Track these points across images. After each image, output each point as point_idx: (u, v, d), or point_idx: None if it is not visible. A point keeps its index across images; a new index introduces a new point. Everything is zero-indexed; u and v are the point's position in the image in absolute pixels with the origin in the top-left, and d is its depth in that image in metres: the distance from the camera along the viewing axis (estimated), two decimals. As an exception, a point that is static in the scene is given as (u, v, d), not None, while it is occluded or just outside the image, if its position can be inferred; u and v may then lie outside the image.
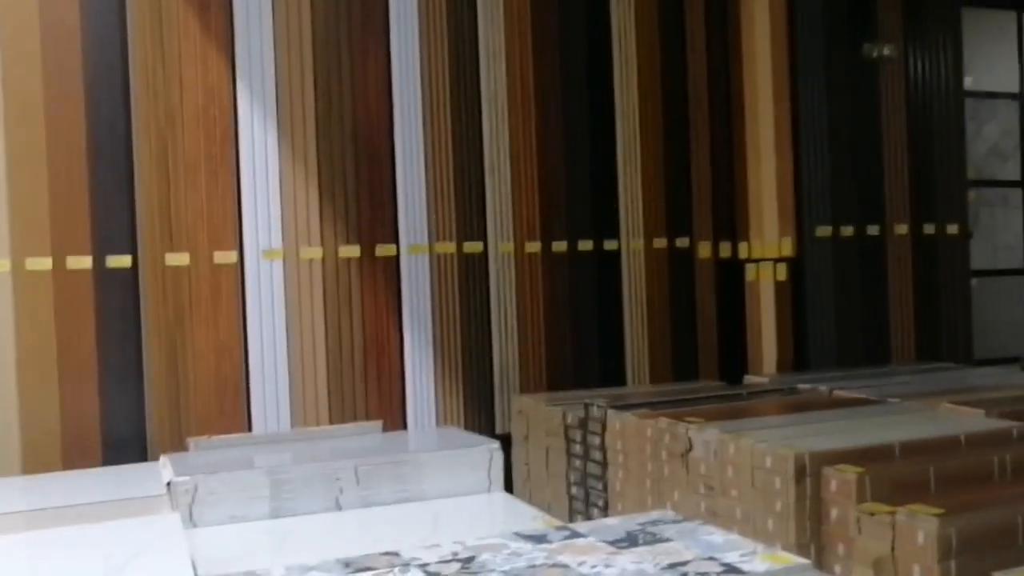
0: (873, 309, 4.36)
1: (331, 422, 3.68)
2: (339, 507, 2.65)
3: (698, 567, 1.62)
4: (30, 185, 3.39)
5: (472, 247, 3.98)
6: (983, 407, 2.91)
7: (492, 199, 4.02)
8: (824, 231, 4.28)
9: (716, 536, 1.82)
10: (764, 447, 2.47)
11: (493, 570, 1.65)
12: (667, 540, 1.79)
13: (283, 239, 3.71)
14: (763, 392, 3.57)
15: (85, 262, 3.45)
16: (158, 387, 3.53)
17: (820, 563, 2.35)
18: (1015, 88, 5.26)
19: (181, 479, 2.53)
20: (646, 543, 1.77)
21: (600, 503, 3.25)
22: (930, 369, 4.03)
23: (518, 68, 4.06)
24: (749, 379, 3.97)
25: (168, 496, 2.56)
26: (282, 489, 2.60)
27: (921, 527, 2.03)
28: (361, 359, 3.80)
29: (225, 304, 3.63)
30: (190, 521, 2.49)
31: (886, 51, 4.36)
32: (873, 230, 4.37)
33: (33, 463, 3.32)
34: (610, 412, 3.18)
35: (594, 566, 1.65)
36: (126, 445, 3.46)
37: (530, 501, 3.67)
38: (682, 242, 4.36)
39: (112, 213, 3.51)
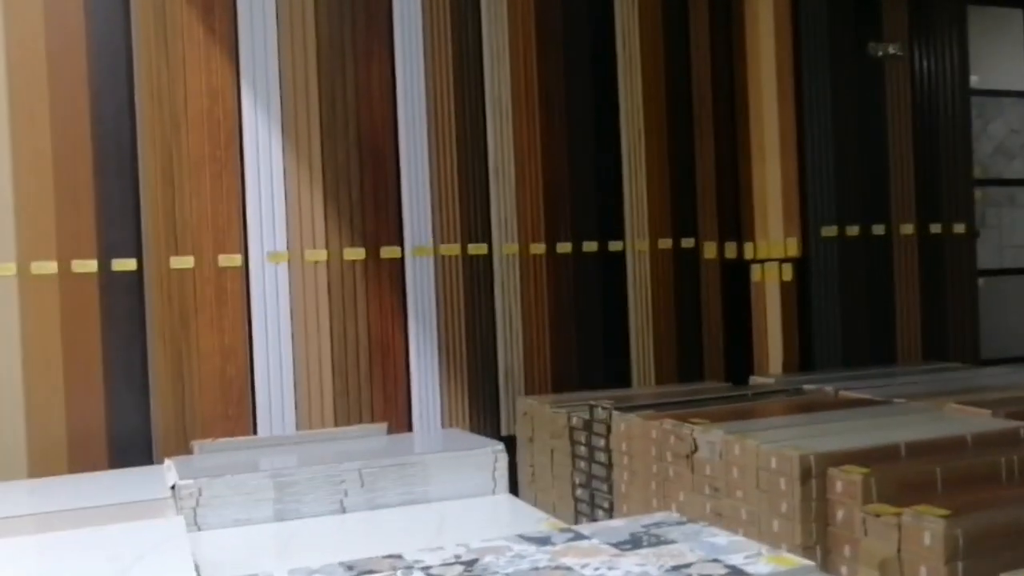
0: (879, 309, 4.34)
1: (336, 425, 3.68)
2: (344, 510, 2.65)
3: (702, 569, 1.61)
4: (36, 189, 3.39)
5: (477, 249, 3.98)
6: (990, 407, 2.89)
7: (496, 201, 4.02)
8: (830, 231, 4.26)
9: (720, 538, 1.81)
10: (769, 448, 2.46)
11: (496, 572, 1.65)
12: (671, 542, 1.79)
13: (288, 242, 3.71)
14: (768, 393, 3.56)
15: (90, 266, 3.46)
16: (163, 390, 3.53)
17: (826, 565, 2.34)
18: (1022, 86, 5.24)
19: (185, 482, 2.53)
20: (650, 545, 1.77)
21: (605, 505, 3.24)
22: (937, 369, 4.01)
23: (522, 69, 4.06)
24: (754, 380, 3.96)
25: (173, 499, 2.56)
26: (286, 492, 2.61)
27: (927, 528, 2.02)
28: (366, 361, 3.80)
29: (230, 307, 3.64)
30: (195, 524, 2.50)
31: (891, 50, 4.35)
32: (879, 230, 4.35)
33: (39, 467, 3.33)
34: (615, 413, 3.17)
35: (597, 568, 1.64)
36: (132, 448, 3.46)
37: (535, 503, 3.67)
38: (687, 243, 4.35)
39: (117, 217, 3.51)
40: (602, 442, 3.24)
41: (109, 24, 3.50)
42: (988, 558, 1.98)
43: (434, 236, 3.90)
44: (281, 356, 3.69)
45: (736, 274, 4.35)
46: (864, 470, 2.29)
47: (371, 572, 1.69)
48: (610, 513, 3.20)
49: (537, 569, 1.66)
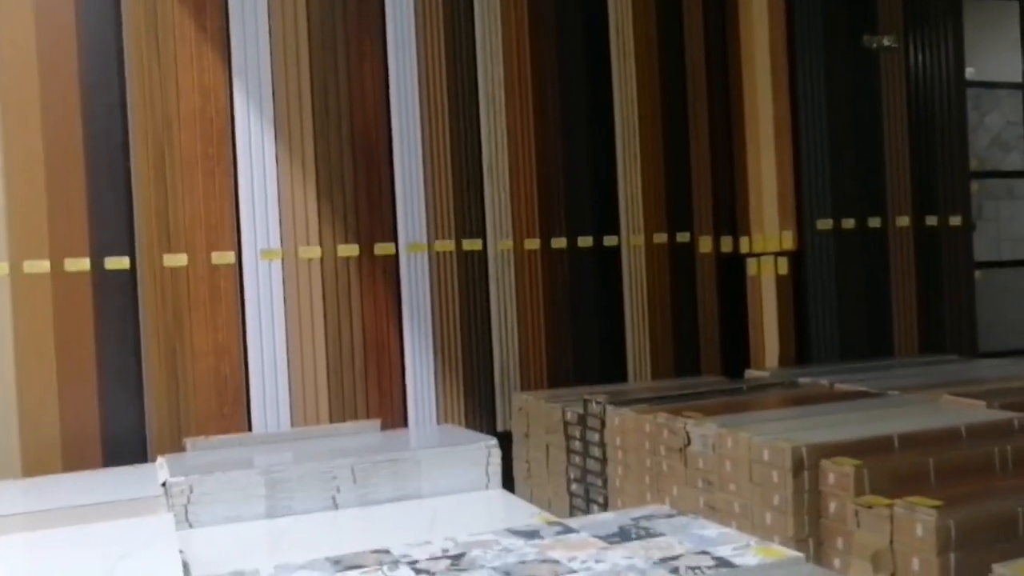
0: (875, 302, 4.33)
1: (331, 422, 3.67)
2: (336, 506, 2.64)
3: (689, 561, 1.60)
4: (28, 188, 3.38)
5: (471, 244, 3.97)
6: (985, 399, 2.88)
7: (491, 196, 4.01)
8: (825, 224, 4.25)
9: (710, 530, 1.80)
10: (762, 440, 2.45)
11: (483, 566, 1.64)
12: (660, 535, 1.78)
13: (281, 239, 3.70)
14: (763, 386, 3.55)
15: (83, 264, 3.45)
16: (157, 388, 3.52)
17: (819, 557, 2.33)
18: (1018, 78, 5.23)
19: (176, 479, 2.53)
20: (638, 538, 1.76)
21: (600, 500, 3.23)
22: (933, 362, 4.00)
23: (515, 64, 4.05)
24: (750, 374, 3.95)
25: (165, 497, 2.56)
26: (278, 489, 2.60)
27: (920, 519, 2.01)
28: (361, 358, 3.79)
29: (224, 305, 3.63)
30: (186, 521, 2.49)
31: (886, 42, 4.33)
32: (875, 222, 4.34)
33: (34, 466, 3.32)
34: (609, 408, 3.17)
35: (584, 561, 1.63)
36: (126, 447, 3.45)
37: (531, 499, 3.66)
38: (683, 237, 4.34)
39: (110, 215, 3.50)
40: (596, 437, 3.23)
41: (100, 22, 3.49)
42: (981, 549, 1.97)
43: (428, 232, 3.89)
44: (275, 354, 3.68)
45: (732, 268, 4.34)
46: (856, 462, 2.28)
47: (357, 567, 1.68)
48: (605, 508, 3.19)
49: (524, 562, 1.65)
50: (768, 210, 4.22)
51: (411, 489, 2.71)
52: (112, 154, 3.51)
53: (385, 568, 1.66)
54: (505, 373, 4.00)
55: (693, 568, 1.57)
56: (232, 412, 3.61)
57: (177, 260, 3.56)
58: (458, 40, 3.96)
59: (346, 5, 3.80)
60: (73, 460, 3.37)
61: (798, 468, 2.35)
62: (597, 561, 1.63)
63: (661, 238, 4.28)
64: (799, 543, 2.32)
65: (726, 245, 4.35)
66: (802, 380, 3.55)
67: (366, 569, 1.67)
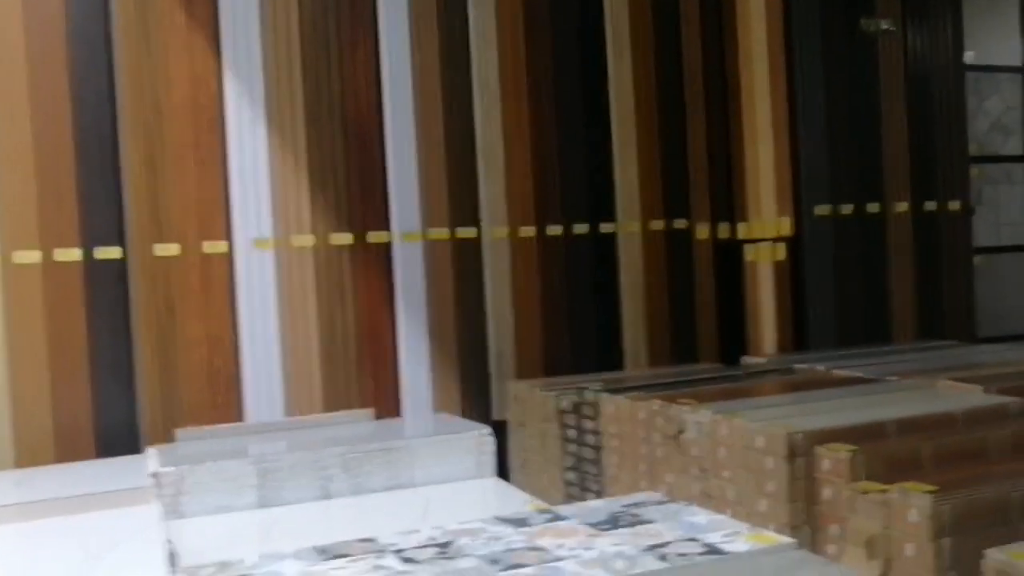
0: (874, 288, 4.29)
1: (325, 412, 3.65)
2: (328, 495, 2.62)
3: (678, 548, 1.58)
4: (17, 178, 3.35)
5: (466, 232, 3.94)
6: (982, 384, 2.85)
7: (485, 184, 3.97)
8: (823, 209, 4.21)
9: (700, 517, 1.78)
10: (756, 427, 2.43)
11: (470, 555, 1.62)
12: (650, 522, 1.75)
13: (273, 228, 3.67)
14: (760, 373, 3.52)
15: (74, 254, 3.42)
16: (150, 379, 3.50)
17: (814, 544, 2.31)
18: (1018, 62, 5.18)
19: (166, 470, 2.51)
20: (628, 525, 1.74)
21: (595, 488, 3.21)
22: (931, 347, 3.97)
23: (510, 49, 4.01)
24: (746, 360, 3.92)
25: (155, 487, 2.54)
26: (269, 478, 2.58)
27: (914, 505, 1.99)
28: (355, 348, 3.76)
29: (216, 294, 3.60)
30: (176, 512, 2.47)
31: (884, 25, 4.29)
32: (873, 208, 4.30)
33: (26, 458, 3.30)
34: (603, 396, 3.14)
35: (573, 549, 1.61)
36: (119, 438, 3.43)
37: (526, 487, 3.63)
38: (679, 224, 4.31)
39: (100, 204, 3.47)
40: (591, 425, 3.21)
41: (89, 10, 3.46)
42: (975, 535, 1.95)
43: (422, 220, 3.86)
44: (268, 343, 3.65)
45: (729, 255, 4.31)
46: (851, 448, 2.26)
47: (344, 556, 1.66)
48: (600, 496, 3.17)
49: (512, 551, 1.62)
50: (765, 196, 4.19)
51: (404, 478, 2.69)
52: (102, 143, 3.48)
53: (372, 557, 1.64)
54: (500, 362, 3.97)
55: (681, 555, 1.54)
56: (225, 402, 3.59)
57: (169, 250, 3.53)
58: (452, 25, 3.92)
59: (337, -9, 3.76)
60: (65, 451, 3.34)
61: (792, 454, 2.33)
62: (586, 549, 1.61)
63: (658, 225, 4.25)
64: (794, 530, 2.30)
65: (723, 231, 4.32)
66: (799, 366, 3.53)
67: (352, 558, 1.65)
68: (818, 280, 4.22)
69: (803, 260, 4.21)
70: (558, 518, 1.82)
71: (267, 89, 3.66)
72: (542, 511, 1.92)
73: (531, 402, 3.64)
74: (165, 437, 3.37)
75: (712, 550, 1.56)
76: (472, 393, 3.92)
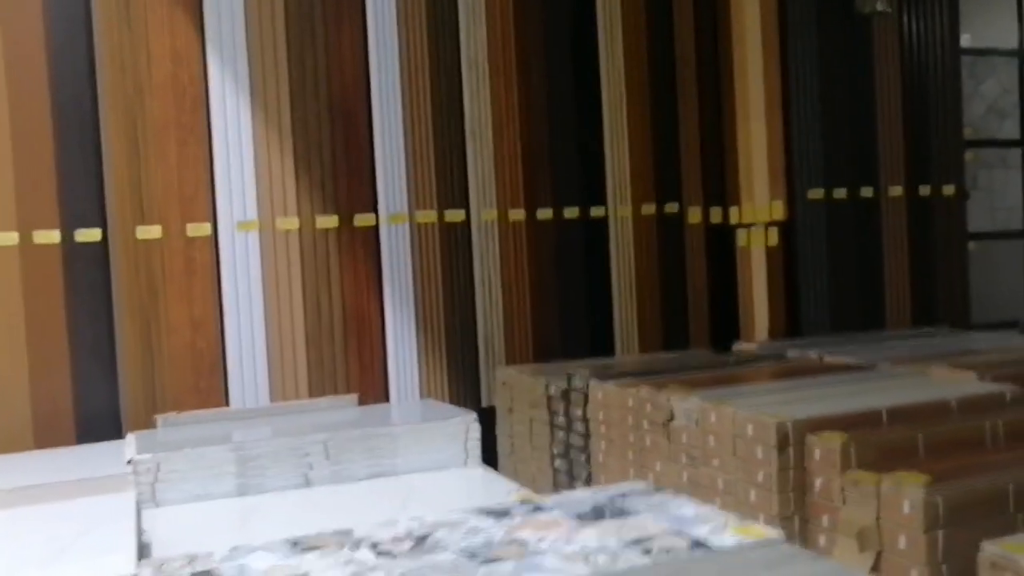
0: (867, 273, 4.24)
1: (311, 397, 3.59)
2: (309, 483, 2.57)
3: (663, 543, 1.53)
4: (-6, 159, 3.28)
5: (454, 215, 3.88)
6: (976, 371, 2.81)
7: (474, 166, 3.90)
8: (816, 193, 4.15)
9: (687, 509, 1.72)
10: (746, 415, 2.38)
11: (447, 548, 1.56)
12: (635, 513, 1.70)
13: (258, 210, 3.60)
14: (751, 359, 3.47)
15: (53, 236, 3.35)
16: (132, 364, 3.44)
17: (805, 535, 2.26)
18: (1014, 45, 5.11)
19: (143, 457, 2.45)
20: (612, 516, 1.68)
21: (584, 475, 3.16)
22: (925, 334, 3.93)
23: (499, 29, 3.93)
24: (738, 346, 3.87)
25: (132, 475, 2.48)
26: (249, 466, 2.52)
27: (907, 496, 1.94)
28: (341, 332, 3.70)
29: (199, 278, 3.54)
30: (152, 500, 2.42)
31: (880, 7, 4.22)
32: (867, 192, 4.24)
33: (5, 444, 3.23)
34: (592, 382, 3.09)
35: (554, 542, 1.56)
36: (100, 424, 3.37)
37: (515, 475, 3.59)
38: (671, 208, 4.25)
39: (80, 185, 3.40)
40: (580, 411, 3.16)
41: (67, -16, 3.37)
42: (969, 526, 1.90)
43: (409, 203, 3.80)
44: (253, 328, 3.59)
45: (721, 239, 4.26)
46: (843, 437, 2.21)
47: (316, 548, 1.61)
48: (589, 483, 3.12)
49: (491, 544, 1.57)
50: (758, 179, 4.13)
51: (387, 466, 2.63)
52: (81, 122, 3.40)
53: (346, 550, 1.58)
54: (489, 347, 3.92)
55: (667, 550, 1.49)
56: (208, 387, 3.53)
57: (151, 232, 3.46)
58: (440, 3, 3.84)
59: (324, -33, 3.67)
60: (45, 437, 3.28)
61: (783, 444, 2.28)
62: (567, 542, 1.56)
63: (649, 209, 4.19)
64: (784, 520, 2.26)
65: (716, 216, 4.26)
66: (791, 353, 3.48)
67: (325, 551, 1.59)
68: (811, 265, 4.16)
69: (796, 245, 4.16)
70: (540, 509, 1.77)
71: (251, 67, 3.58)
72: (525, 501, 1.86)
73: (519, 388, 3.59)
74: (147, 422, 3.31)
75: (698, 544, 1.51)
76: (461, 378, 3.87)
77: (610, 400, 2.99)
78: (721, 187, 4.26)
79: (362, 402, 3.43)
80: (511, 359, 3.92)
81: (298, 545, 1.63)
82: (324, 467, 2.57)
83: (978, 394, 2.58)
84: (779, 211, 4.09)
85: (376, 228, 3.75)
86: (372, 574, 1.47)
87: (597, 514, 1.70)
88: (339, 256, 3.70)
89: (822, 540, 2.21)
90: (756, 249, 4.14)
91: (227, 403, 3.54)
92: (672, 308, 4.24)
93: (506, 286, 3.95)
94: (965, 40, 4.68)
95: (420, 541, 1.60)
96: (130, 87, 3.44)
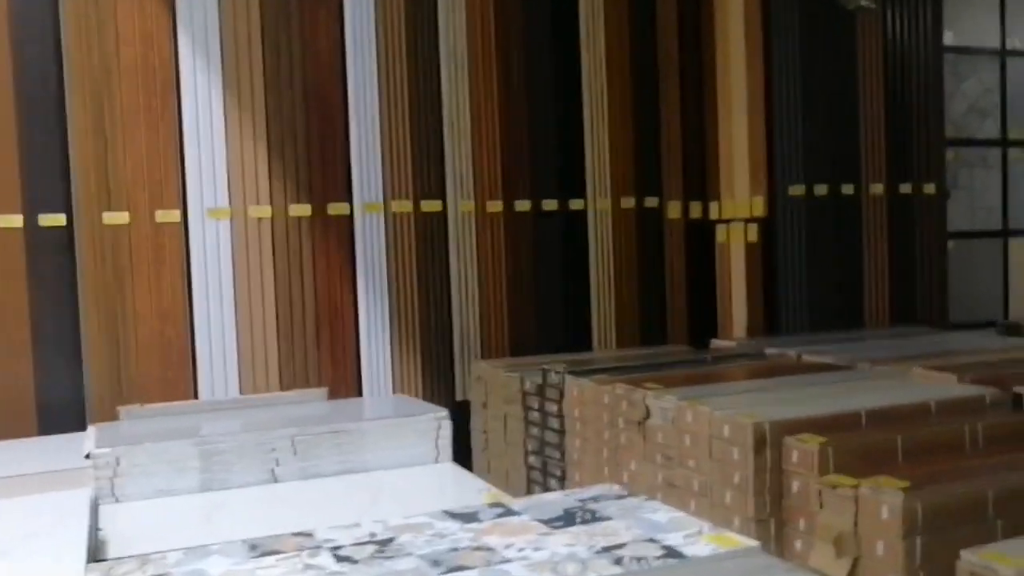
0: (847, 271, 4.20)
1: (282, 390, 3.52)
2: (275, 479, 2.50)
3: (635, 551, 1.47)
4: (-45, 140, 3.18)
5: (430, 205, 3.81)
6: (956, 372, 2.77)
7: (451, 155, 3.84)
8: (797, 190, 4.11)
9: (660, 514, 1.67)
10: (722, 415, 2.33)
11: (411, 553, 1.50)
12: (607, 519, 1.64)
13: (229, 197, 3.53)
14: (729, 357, 3.43)
15: (15, 221, 3.27)
16: (97, 354, 3.36)
17: (780, 539, 2.22)
18: (996, 44, 5.09)
19: (102, 451, 2.37)
20: (583, 522, 1.63)
21: (558, 473, 3.11)
22: (904, 333, 3.89)
23: (479, 17, 3.86)
24: (716, 343, 3.82)
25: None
26: (213, 460, 2.45)
27: (885, 501, 1.89)
28: (313, 324, 3.64)
29: (168, 266, 3.46)
30: (112, 496, 2.34)
31: (863, 2, 4.17)
32: (848, 189, 4.20)
33: (-36, 433, 3.15)
34: (568, 378, 3.03)
35: (521, 549, 1.50)
36: (63, 415, 3.29)
37: (488, 471, 3.54)
38: (651, 202, 4.21)
39: (44, 169, 3.31)
40: (555, 408, 3.10)
41: (32, -38, 3.27)
42: (949, 533, 1.86)
43: (385, 192, 3.73)
44: (223, 318, 3.52)
45: (701, 235, 4.21)
46: (821, 439, 2.16)
47: (275, 552, 1.54)
48: (562, 482, 3.07)
49: (456, 550, 1.51)
50: (739, 175, 4.08)
51: (356, 462, 2.56)
52: (46, 104, 3.32)
53: (304, 555, 1.52)
54: (465, 341, 3.86)
55: (638, 559, 1.44)
56: (176, 379, 3.46)
57: (118, 218, 3.38)
58: (418, -10, 3.77)
59: (300, -50, 3.59)
60: (5, 428, 3.18)
61: (760, 445, 2.23)
62: (535, 549, 1.50)
63: (629, 202, 4.15)
64: (759, 524, 2.21)
65: (695, 211, 4.22)
66: (769, 351, 3.43)
67: (284, 555, 1.52)
68: (790, 262, 4.12)
69: (775, 241, 4.11)
70: (509, 513, 1.71)
71: (224, 50, 3.50)
72: (494, 504, 1.80)
73: (494, 382, 3.53)
74: (113, 414, 3.22)
75: (671, 553, 1.46)
76: (435, 373, 3.81)
77: (585, 397, 2.93)
78: (701, 182, 4.22)
79: (334, 395, 3.35)
80: (487, 353, 3.87)
81: (256, 548, 1.56)
82: (291, 463, 2.50)
83: (958, 397, 2.54)
84: (759, 207, 4.04)
85: (350, 217, 3.68)
86: (332, 581, 1.41)
87: (568, 519, 1.65)
88: (312, 245, 3.64)
89: (798, 544, 2.16)
90: (735, 245, 4.10)
91: (195, 395, 3.47)
92: (650, 303, 4.20)
93: (483, 278, 3.89)
94: (948, 38, 4.65)
95: (383, 546, 1.54)
96: (97, 69, 3.35)
